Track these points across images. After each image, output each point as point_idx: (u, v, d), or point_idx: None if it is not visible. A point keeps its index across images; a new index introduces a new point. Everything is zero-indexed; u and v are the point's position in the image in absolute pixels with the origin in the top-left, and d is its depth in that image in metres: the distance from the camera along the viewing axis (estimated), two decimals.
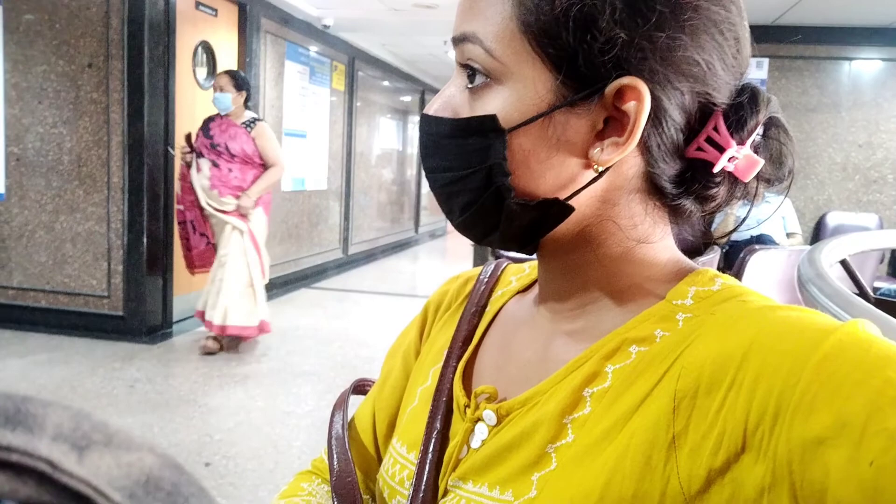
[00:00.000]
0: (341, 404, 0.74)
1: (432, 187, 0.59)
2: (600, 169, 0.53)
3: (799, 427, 0.41)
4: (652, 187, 0.56)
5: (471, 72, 0.54)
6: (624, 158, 0.53)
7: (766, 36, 5.84)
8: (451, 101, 0.57)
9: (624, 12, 0.49)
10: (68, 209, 4.53)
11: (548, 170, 0.53)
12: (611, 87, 0.51)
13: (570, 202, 0.54)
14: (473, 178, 0.54)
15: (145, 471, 0.19)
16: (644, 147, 0.53)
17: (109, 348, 4.32)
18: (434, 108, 0.58)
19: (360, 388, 0.81)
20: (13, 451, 0.17)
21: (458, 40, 0.55)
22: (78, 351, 4.25)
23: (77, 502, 0.18)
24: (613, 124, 0.52)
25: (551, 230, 0.56)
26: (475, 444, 0.58)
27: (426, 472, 0.60)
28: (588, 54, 0.50)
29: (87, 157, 4.47)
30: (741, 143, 0.53)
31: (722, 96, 0.53)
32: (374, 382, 0.81)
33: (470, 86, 0.54)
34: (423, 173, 0.61)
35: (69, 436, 0.18)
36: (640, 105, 0.51)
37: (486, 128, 0.53)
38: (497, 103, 0.53)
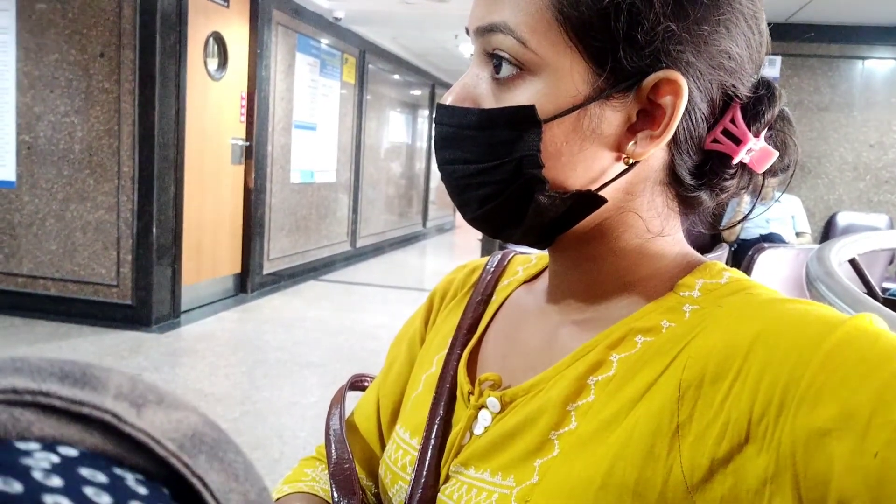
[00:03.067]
0: (338, 400, 0.75)
1: (447, 180, 0.58)
2: (630, 161, 0.54)
3: (804, 418, 0.41)
4: (673, 179, 0.56)
5: (497, 62, 0.53)
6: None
7: (780, 34, 5.79)
8: (472, 91, 0.56)
9: (671, 5, 0.49)
10: (78, 198, 4.55)
11: (579, 162, 0.53)
12: (649, 80, 0.51)
13: (600, 194, 0.54)
14: (500, 170, 0.53)
15: (192, 427, 0.22)
16: (672, 139, 0.54)
17: (117, 337, 4.35)
18: (451, 98, 0.56)
19: (357, 383, 0.81)
20: (84, 405, 0.20)
21: (485, 30, 0.53)
22: (86, 339, 4.27)
23: (137, 450, 0.20)
24: (645, 117, 0.53)
25: (577, 223, 0.55)
26: (478, 430, 0.59)
27: (428, 458, 0.60)
28: (631, 47, 0.50)
29: (98, 147, 4.48)
30: (756, 134, 0.54)
31: (745, 89, 0.54)
32: (371, 378, 0.81)
33: (497, 76, 0.53)
34: (436, 166, 0.59)
35: (128, 395, 0.21)
36: (677, 99, 0.51)
37: (522, 119, 0.52)
38: (529, 94, 0.52)
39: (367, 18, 6.84)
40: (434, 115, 0.59)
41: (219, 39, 5.16)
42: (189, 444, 0.21)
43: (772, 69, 5.92)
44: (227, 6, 5.23)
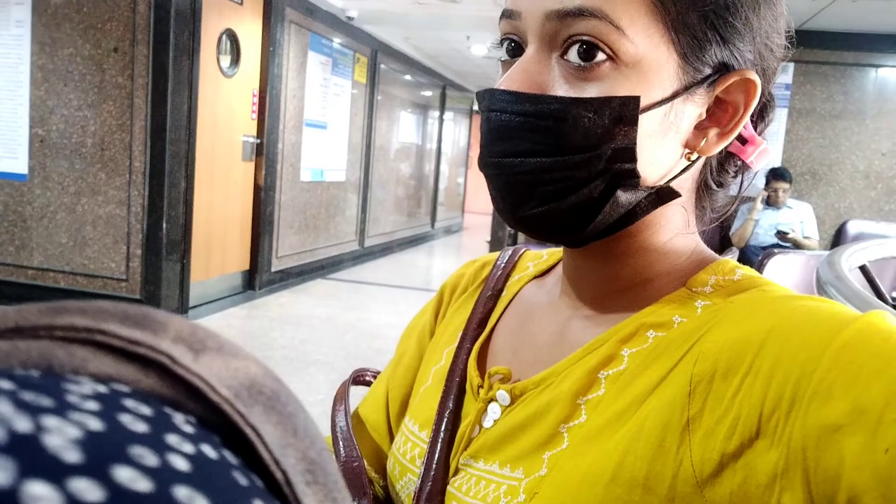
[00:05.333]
0: (342, 396, 0.75)
1: (502, 174, 0.53)
2: (693, 157, 0.54)
3: (815, 413, 0.41)
4: (707, 175, 0.58)
5: (583, 48, 0.50)
6: None
7: (794, 40, 5.77)
8: (536, 78, 0.52)
9: (755, 6, 0.51)
10: (90, 192, 4.58)
11: (657, 156, 0.53)
12: (728, 77, 0.52)
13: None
14: (587, 164, 0.51)
15: (250, 376, 0.21)
16: None
17: None
18: (513, 84, 0.52)
19: (359, 378, 0.81)
20: (140, 345, 0.20)
21: (567, 14, 0.50)
22: None
23: (191, 395, 0.20)
24: (710, 114, 0.54)
25: (641, 218, 0.54)
26: (487, 423, 0.59)
27: (438, 451, 0.60)
28: (719, 44, 0.51)
29: (110, 141, 4.51)
30: (759, 135, 0.56)
31: (769, 89, 0.56)
32: (373, 372, 0.81)
33: (579, 63, 0.50)
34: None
35: (187, 339, 0.21)
36: (750, 98, 0.53)
37: (621, 109, 0.50)
38: (618, 84, 0.50)
39: (379, 18, 6.86)
40: (488, 103, 0.54)
41: (232, 36, 5.17)
42: (246, 394, 0.20)
43: (784, 76, 5.90)
44: (241, 4, 5.25)
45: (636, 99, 0.50)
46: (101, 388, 0.18)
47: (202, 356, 0.20)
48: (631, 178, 0.52)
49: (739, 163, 0.58)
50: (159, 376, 0.20)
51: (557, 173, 0.51)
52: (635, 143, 0.51)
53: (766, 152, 0.57)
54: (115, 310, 0.20)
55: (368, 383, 0.81)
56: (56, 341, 0.19)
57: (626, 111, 0.50)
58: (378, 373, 0.82)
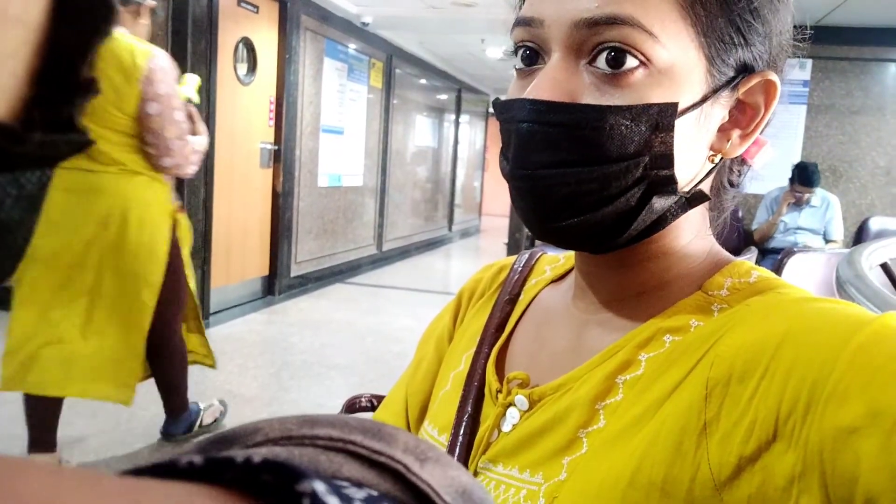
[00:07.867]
0: None
1: (536, 187, 0.52)
2: (717, 159, 0.55)
3: (831, 416, 0.41)
4: (724, 177, 0.59)
5: (613, 55, 0.50)
6: None
7: (811, 37, 5.71)
8: (565, 85, 0.51)
9: (777, 11, 0.53)
10: None
11: (687, 159, 0.53)
12: (751, 79, 0.53)
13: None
14: (628, 172, 0.50)
15: (463, 485, 0.24)
16: None
17: None
18: (543, 93, 0.51)
19: (353, 405, 0.82)
20: (381, 455, 0.23)
21: (598, 21, 0.49)
22: None
23: (419, 499, 0.23)
24: (731, 115, 0.55)
25: (670, 223, 0.54)
26: (506, 428, 0.59)
27: (456, 454, 0.61)
28: (744, 47, 0.52)
29: None
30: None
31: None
32: (368, 397, 0.82)
33: (610, 71, 0.50)
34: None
35: (413, 450, 0.24)
36: (770, 97, 0.54)
37: (660, 116, 0.50)
38: (651, 90, 0.50)
39: (394, 23, 6.88)
40: (516, 113, 0.53)
41: (248, 45, 5.22)
42: (461, 500, 0.23)
43: (802, 72, 5.85)
44: (257, 12, 5.29)
45: (674, 105, 0.50)
46: (363, 493, 0.21)
47: (426, 465, 0.23)
48: (668, 185, 0.52)
49: (741, 160, 0.59)
50: (394, 481, 0.23)
51: (595, 183, 0.51)
52: (673, 150, 0.51)
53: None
54: (356, 423, 0.24)
55: (365, 409, 0.82)
56: (318, 449, 0.23)
57: (663, 118, 0.50)
58: (374, 396, 0.82)
